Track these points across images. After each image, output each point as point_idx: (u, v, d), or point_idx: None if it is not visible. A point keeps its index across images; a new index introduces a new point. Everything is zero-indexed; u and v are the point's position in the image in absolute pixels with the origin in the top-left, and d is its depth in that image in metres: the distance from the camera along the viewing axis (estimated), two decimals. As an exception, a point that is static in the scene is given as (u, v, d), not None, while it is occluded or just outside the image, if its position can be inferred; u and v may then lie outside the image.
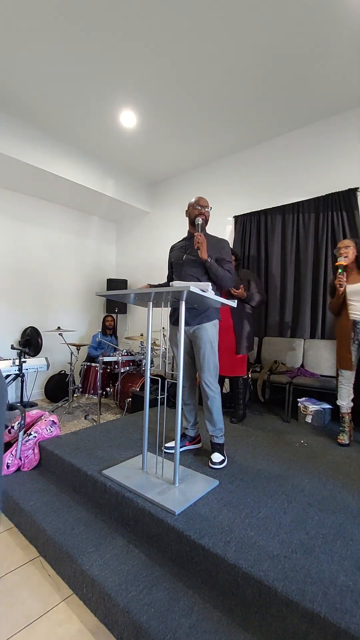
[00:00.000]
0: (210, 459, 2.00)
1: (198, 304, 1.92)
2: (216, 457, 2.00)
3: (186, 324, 2.04)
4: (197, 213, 2.11)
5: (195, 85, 2.92)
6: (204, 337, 2.02)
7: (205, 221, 2.12)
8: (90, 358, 4.34)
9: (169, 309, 2.22)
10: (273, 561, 1.21)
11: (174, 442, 2.12)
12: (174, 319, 2.15)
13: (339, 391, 2.49)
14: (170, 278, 2.32)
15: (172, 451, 2.07)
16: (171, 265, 2.27)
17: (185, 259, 2.11)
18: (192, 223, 2.16)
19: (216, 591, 1.26)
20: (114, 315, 4.89)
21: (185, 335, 2.10)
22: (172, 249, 2.29)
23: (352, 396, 2.46)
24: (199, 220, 2.04)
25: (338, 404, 2.49)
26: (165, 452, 2.09)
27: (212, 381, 2.05)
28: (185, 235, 2.27)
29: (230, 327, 2.86)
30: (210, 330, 2.03)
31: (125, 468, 1.89)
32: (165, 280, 2.44)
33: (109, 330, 4.66)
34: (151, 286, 2.10)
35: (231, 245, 3.95)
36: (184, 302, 1.72)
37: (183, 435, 2.23)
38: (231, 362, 2.87)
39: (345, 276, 2.41)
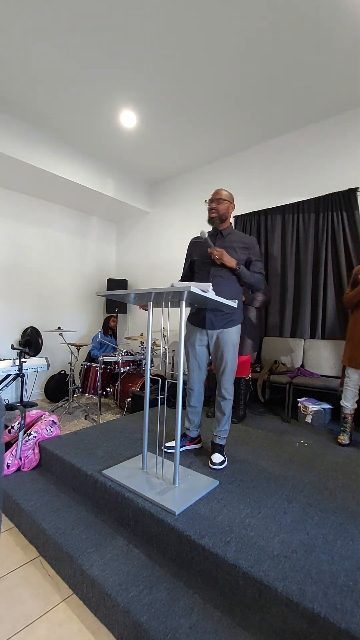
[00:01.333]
0: (211, 459, 1.99)
1: (199, 304, 1.91)
2: (216, 457, 1.99)
3: (211, 326, 2.03)
4: (209, 208, 2.04)
5: (195, 86, 2.92)
6: (229, 342, 2.01)
7: (218, 217, 2.02)
8: (91, 358, 4.34)
9: (188, 309, 2.14)
10: (273, 561, 1.21)
11: (174, 441, 2.13)
12: (197, 320, 2.07)
13: (344, 391, 2.46)
14: (187, 274, 2.24)
15: (172, 451, 2.06)
16: (192, 263, 2.17)
17: (213, 259, 1.98)
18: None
19: (216, 591, 1.26)
20: (116, 316, 4.90)
21: (206, 338, 2.07)
22: (194, 243, 2.18)
23: (357, 397, 2.43)
24: (205, 234, 1.96)
25: (342, 404, 2.47)
26: (165, 452, 2.09)
27: (231, 385, 2.06)
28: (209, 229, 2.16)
29: None
30: (235, 335, 2.03)
31: (125, 468, 1.89)
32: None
33: (111, 330, 4.67)
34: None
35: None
36: (184, 302, 1.72)
37: (183, 436, 2.23)
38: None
39: None
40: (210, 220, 2.07)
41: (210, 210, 2.04)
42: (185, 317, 1.74)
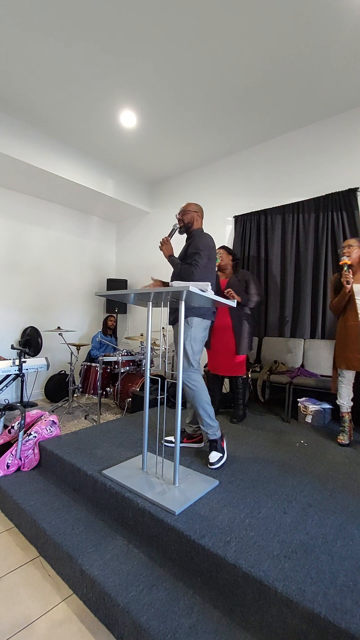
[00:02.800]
0: (208, 460, 1.98)
1: (199, 304, 1.92)
2: (213, 456, 1.97)
3: (172, 322, 2.16)
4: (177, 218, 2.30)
5: (195, 85, 2.92)
6: (176, 335, 2.10)
7: (184, 225, 2.26)
8: (91, 358, 4.34)
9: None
10: (273, 561, 1.21)
11: (172, 437, 2.14)
12: (172, 319, 2.21)
13: (339, 391, 2.49)
14: None
15: (171, 445, 2.07)
16: None
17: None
18: None
19: (216, 591, 1.26)
20: (115, 315, 4.90)
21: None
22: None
23: (352, 396, 2.46)
24: (176, 226, 2.24)
25: (338, 403, 2.49)
26: (164, 447, 2.10)
27: (190, 376, 2.04)
28: None
29: (229, 328, 2.85)
30: (184, 327, 2.02)
31: (125, 468, 1.89)
32: (166, 279, 2.48)
33: (110, 330, 4.67)
34: (162, 283, 2.27)
35: (231, 246, 3.95)
36: (183, 302, 1.72)
37: (181, 432, 2.23)
38: (231, 363, 2.87)
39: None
40: (180, 229, 2.30)
41: (179, 220, 2.29)
42: (184, 317, 1.75)
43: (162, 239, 2.22)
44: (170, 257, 2.21)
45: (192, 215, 2.25)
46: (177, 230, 2.25)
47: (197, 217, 2.27)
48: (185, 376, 2.04)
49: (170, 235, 2.23)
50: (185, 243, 2.27)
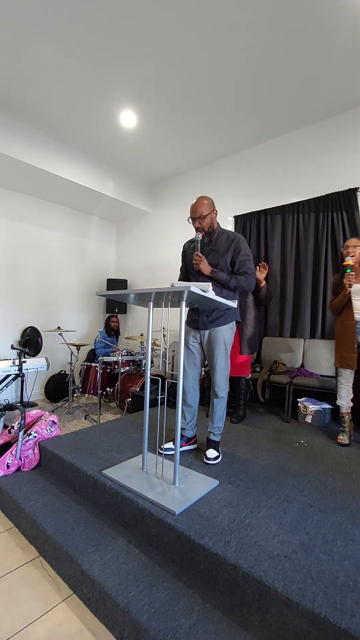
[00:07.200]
0: (205, 455, 2.02)
1: (200, 304, 1.92)
2: (211, 453, 2.02)
3: (203, 327, 2.06)
4: (195, 227, 2.07)
5: (195, 86, 2.92)
6: (220, 339, 2.02)
7: (206, 233, 2.08)
8: (90, 358, 4.34)
9: (186, 309, 2.17)
10: (273, 561, 1.21)
11: (170, 443, 2.13)
12: (190, 321, 2.12)
13: (338, 391, 2.49)
14: (183, 278, 2.30)
15: (170, 452, 2.07)
16: (186, 266, 2.25)
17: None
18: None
19: (216, 591, 1.26)
20: (116, 316, 4.89)
21: (199, 336, 2.11)
22: (186, 248, 2.25)
23: (351, 396, 2.46)
24: (199, 237, 2.03)
25: (338, 403, 2.49)
26: (164, 455, 2.09)
27: (224, 382, 2.06)
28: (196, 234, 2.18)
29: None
30: (227, 333, 2.04)
31: (125, 468, 1.89)
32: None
33: (113, 331, 4.67)
34: None
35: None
36: (184, 302, 1.72)
37: (180, 436, 2.23)
38: (235, 363, 2.87)
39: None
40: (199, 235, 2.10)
41: (197, 229, 2.07)
42: (185, 317, 1.75)
43: (196, 257, 2.01)
44: (213, 273, 2.02)
45: (210, 217, 2.05)
46: (200, 240, 2.06)
47: (214, 215, 2.08)
48: (223, 382, 2.05)
49: (198, 248, 2.04)
50: (206, 242, 2.10)
